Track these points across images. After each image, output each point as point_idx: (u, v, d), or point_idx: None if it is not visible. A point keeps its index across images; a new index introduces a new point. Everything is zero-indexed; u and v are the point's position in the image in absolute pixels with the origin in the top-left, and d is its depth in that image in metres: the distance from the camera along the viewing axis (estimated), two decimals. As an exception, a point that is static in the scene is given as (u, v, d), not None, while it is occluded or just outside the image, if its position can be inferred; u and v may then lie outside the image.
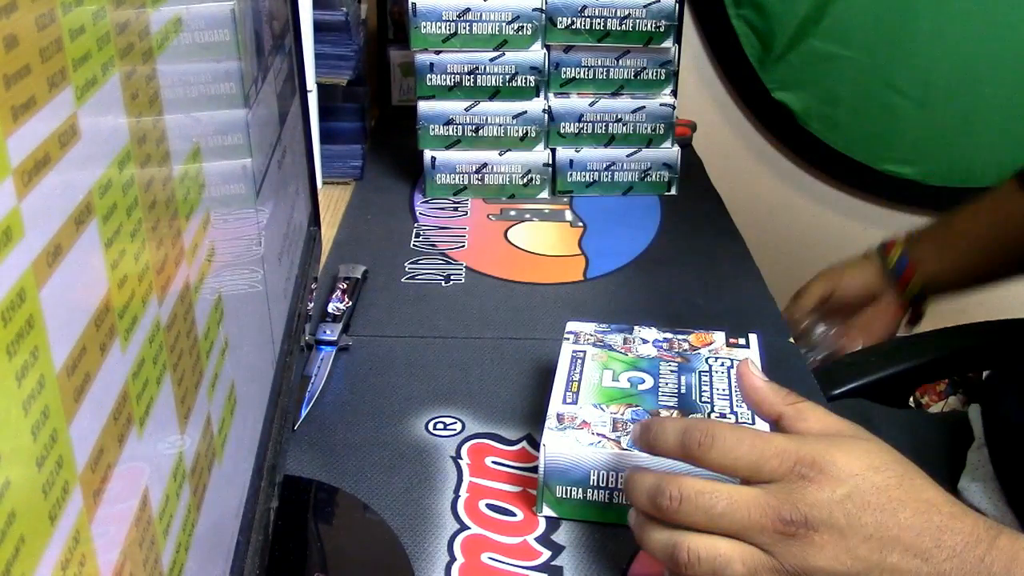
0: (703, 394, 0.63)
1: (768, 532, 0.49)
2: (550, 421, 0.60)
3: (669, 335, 0.69)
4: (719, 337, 0.69)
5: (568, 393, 0.63)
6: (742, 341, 0.69)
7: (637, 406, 0.62)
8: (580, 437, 0.59)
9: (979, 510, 0.77)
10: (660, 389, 0.63)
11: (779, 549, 0.49)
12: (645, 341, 0.68)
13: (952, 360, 1.07)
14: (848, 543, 0.48)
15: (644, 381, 0.64)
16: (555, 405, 0.62)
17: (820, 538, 0.48)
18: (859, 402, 0.91)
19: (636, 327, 0.70)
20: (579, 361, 0.66)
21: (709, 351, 0.67)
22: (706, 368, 0.66)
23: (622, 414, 0.61)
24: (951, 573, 0.48)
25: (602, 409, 0.61)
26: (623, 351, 0.67)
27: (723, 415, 0.61)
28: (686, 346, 0.68)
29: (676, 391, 0.63)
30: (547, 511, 0.60)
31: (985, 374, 1.68)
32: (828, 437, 0.51)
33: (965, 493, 0.79)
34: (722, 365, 0.66)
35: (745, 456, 0.50)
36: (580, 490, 0.59)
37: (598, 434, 0.59)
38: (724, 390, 0.63)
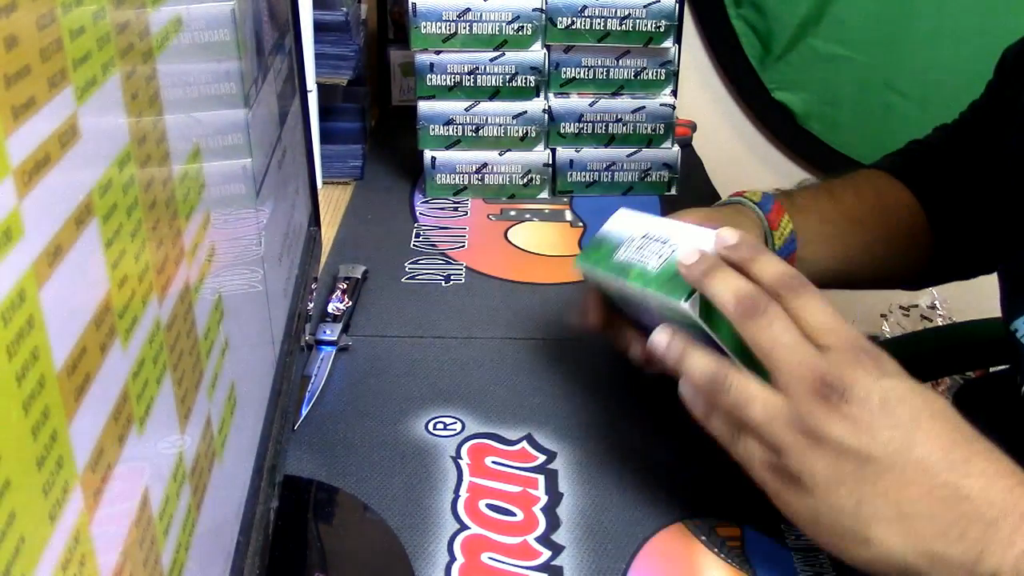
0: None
1: (805, 387, 0.50)
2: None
3: None
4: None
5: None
6: None
7: None
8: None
9: None
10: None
11: (806, 407, 0.50)
12: None
13: (931, 364, 1.07)
14: (874, 424, 0.48)
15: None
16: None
17: (849, 410, 0.49)
18: None
19: None
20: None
21: None
22: None
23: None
24: (972, 489, 0.47)
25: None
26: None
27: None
28: None
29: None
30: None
31: (953, 386, 1.68)
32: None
33: None
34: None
35: (818, 321, 0.52)
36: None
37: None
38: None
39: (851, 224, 0.82)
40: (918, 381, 0.51)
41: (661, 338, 0.57)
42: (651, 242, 0.63)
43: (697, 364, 0.55)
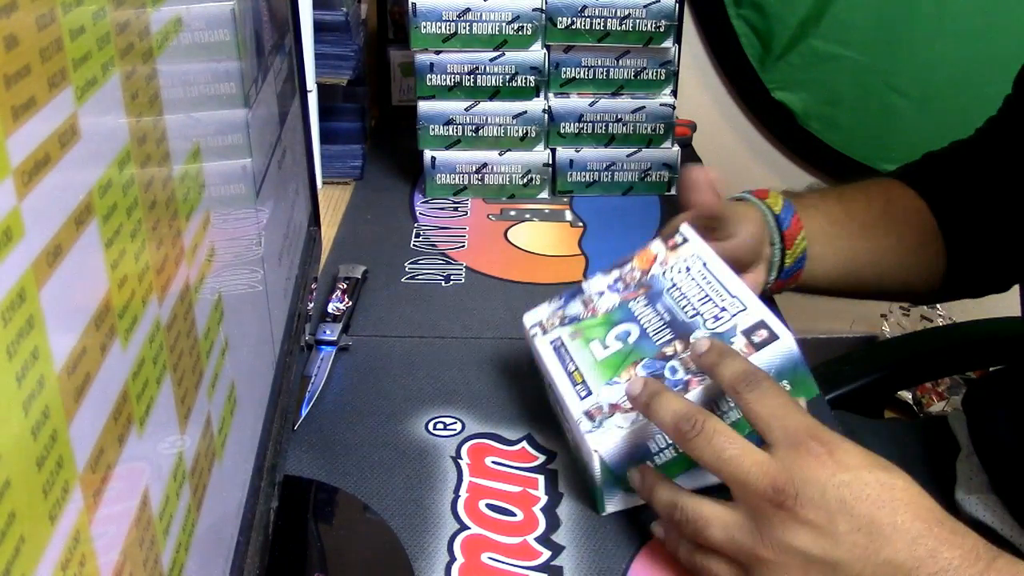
0: (685, 310, 0.62)
1: (759, 494, 0.49)
2: (583, 425, 0.59)
3: (616, 272, 0.68)
4: (657, 246, 0.68)
5: (577, 387, 0.62)
6: (679, 239, 0.67)
7: (642, 358, 0.61)
8: (619, 422, 0.58)
9: (982, 523, 0.76)
10: (647, 330, 0.62)
11: (763, 518, 0.49)
12: (601, 293, 0.67)
13: (930, 364, 1.07)
14: (835, 528, 0.47)
15: (630, 333, 0.63)
16: (575, 407, 0.61)
17: (806, 515, 0.48)
18: (840, 413, 0.89)
19: (583, 284, 0.69)
20: (562, 349, 0.65)
21: (659, 266, 0.66)
22: (671, 284, 0.64)
23: (636, 375, 0.60)
24: None
25: (617, 383, 0.60)
26: (590, 314, 0.66)
27: (717, 318, 0.60)
28: (637, 274, 0.67)
29: (663, 323, 0.62)
30: (613, 507, 0.60)
31: (963, 384, 1.68)
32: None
33: (965, 505, 0.78)
34: (680, 272, 0.65)
35: (768, 413, 0.51)
36: (649, 462, 0.59)
37: (629, 410, 0.58)
38: (700, 296, 0.62)
39: (860, 228, 0.81)
40: (876, 460, 0.50)
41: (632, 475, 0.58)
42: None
43: (656, 496, 0.55)
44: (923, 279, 0.85)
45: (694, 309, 0.62)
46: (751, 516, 0.50)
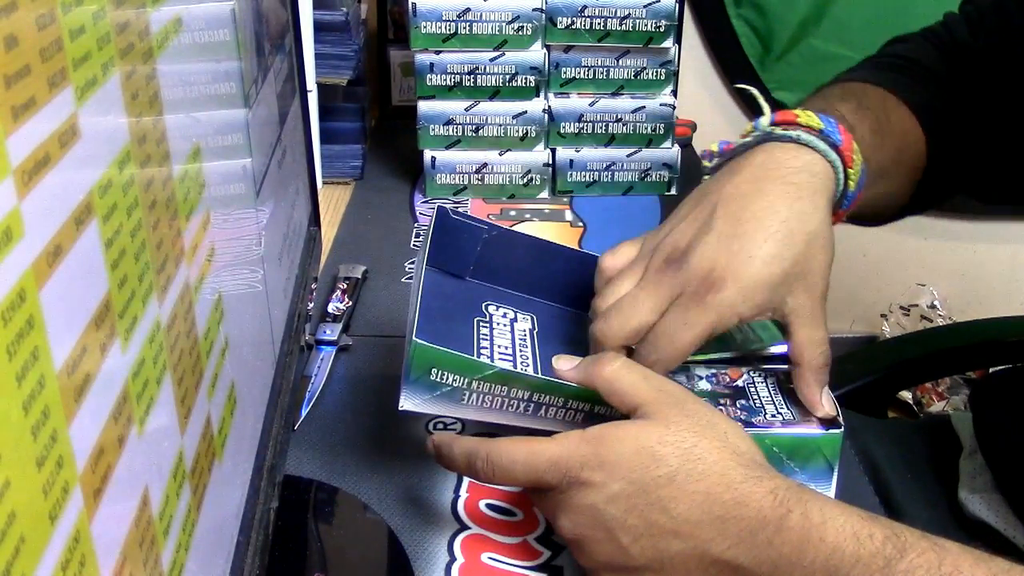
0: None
1: (561, 535, 0.52)
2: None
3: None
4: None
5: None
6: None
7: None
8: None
9: (984, 523, 0.76)
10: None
11: (572, 550, 0.52)
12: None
13: (930, 364, 1.07)
14: (619, 543, 0.49)
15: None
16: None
17: (594, 536, 0.50)
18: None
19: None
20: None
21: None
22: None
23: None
24: (740, 559, 0.47)
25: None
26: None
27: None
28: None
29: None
30: None
31: (970, 382, 1.68)
32: (608, 430, 0.50)
33: (968, 505, 0.78)
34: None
35: (521, 475, 0.51)
36: None
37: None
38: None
39: (872, 141, 0.69)
40: (638, 447, 0.49)
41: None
42: None
43: (457, 451, 0.54)
44: (905, 195, 0.79)
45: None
46: (575, 551, 0.52)
